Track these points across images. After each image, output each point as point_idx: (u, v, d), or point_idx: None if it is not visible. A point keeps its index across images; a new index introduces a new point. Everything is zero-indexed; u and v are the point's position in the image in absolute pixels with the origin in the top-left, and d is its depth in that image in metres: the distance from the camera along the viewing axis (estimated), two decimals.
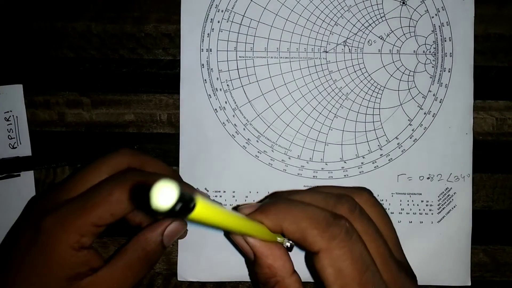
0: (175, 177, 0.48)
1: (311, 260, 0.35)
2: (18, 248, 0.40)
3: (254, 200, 0.51)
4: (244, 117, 0.51)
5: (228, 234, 0.42)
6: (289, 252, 0.38)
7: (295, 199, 0.38)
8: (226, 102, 0.51)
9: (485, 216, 0.52)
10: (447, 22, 0.51)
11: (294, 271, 0.37)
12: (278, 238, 0.37)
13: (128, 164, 0.43)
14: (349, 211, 0.36)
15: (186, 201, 0.23)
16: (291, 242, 0.37)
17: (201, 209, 0.24)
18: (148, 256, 0.41)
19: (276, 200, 0.37)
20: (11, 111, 0.50)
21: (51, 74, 0.51)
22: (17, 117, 0.50)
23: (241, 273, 0.51)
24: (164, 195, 0.22)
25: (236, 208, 0.42)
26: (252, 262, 0.38)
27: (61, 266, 0.38)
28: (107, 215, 0.39)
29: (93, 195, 0.39)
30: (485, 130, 0.52)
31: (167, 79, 0.51)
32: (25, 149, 0.50)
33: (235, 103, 0.51)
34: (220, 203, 0.49)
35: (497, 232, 0.52)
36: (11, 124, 0.50)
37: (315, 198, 0.37)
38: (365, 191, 0.39)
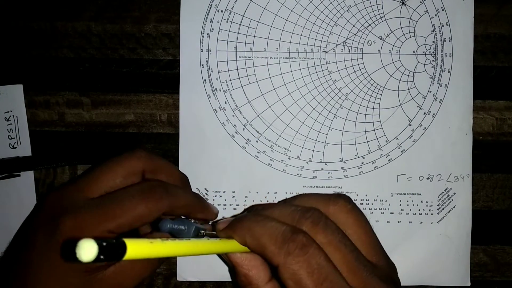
0: (185, 183, 0.48)
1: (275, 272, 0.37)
2: (35, 243, 0.40)
3: (253, 201, 0.51)
4: (243, 117, 0.51)
5: None
6: None
7: (264, 214, 0.39)
8: (225, 103, 0.51)
9: (485, 216, 0.52)
10: (446, 22, 0.51)
11: (271, 279, 0.38)
12: None
13: (143, 168, 0.43)
14: (312, 224, 0.37)
15: (111, 251, 0.25)
16: None
17: (134, 251, 0.27)
18: None
19: (243, 217, 0.39)
20: (11, 111, 0.50)
21: (51, 74, 0.51)
22: (17, 117, 0.50)
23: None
24: (85, 250, 0.24)
25: (214, 224, 0.43)
26: (232, 270, 0.40)
27: None
28: (126, 227, 0.40)
29: (116, 204, 0.40)
30: (485, 130, 0.52)
31: (167, 79, 0.51)
32: (25, 149, 0.50)
33: (234, 103, 0.51)
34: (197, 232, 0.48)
35: (497, 232, 0.52)
36: (11, 124, 0.50)
37: (283, 213, 0.39)
38: (341, 199, 0.40)
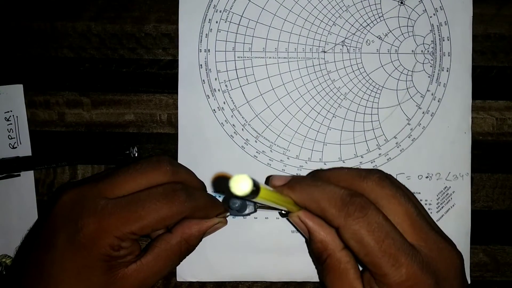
0: (204, 188, 0.49)
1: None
2: (56, 244, 0.40)
3: None
4: (242, 117, 0.51)
5: (285, 215, 0.45)
6: None
7: (323, 177, 0.43)
8: (224, 103, 0.51)
9: (485, 216, 0.52)
10: (445, 21, 0.51)
11: (345, 247, 0.40)
12: None
13: (168, 181, 0.43)
14: (379, 179, 0.40)
15: (256, 187, 0.29)
16: None
17: (263, 192, 0.31)
18: (188, 249, 0.45)
19: (302, 180, 0.42)
20: (11, 111, 0.50)
21: (51, 74, 0.51)
22: (17, 117, 0.51)
23: (241, 272, 0.51)
24: (242, 184, 0.28)
25: (268, 178, 0.47)
26: (308, 240, 0.42)
27: (103, 261, 0.40)
28: (149, 229, 0.41)
29: (140, 206, 0.40)
30: (485, 130, 0.52)
31: (167, 79, 0.51)
32: (25, 149, 0.51)
33: (233, 103, 0.51)
34: None
35: (497, 232, 0.52)
36: (11, 124, 0.50)
37: (349, 171, 0.42)
38: (375, 174, 0.41)
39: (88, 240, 0.39)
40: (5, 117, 0.50)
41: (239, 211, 0.40)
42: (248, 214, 0.43)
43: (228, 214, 0.48)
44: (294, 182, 0.41)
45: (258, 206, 0.43)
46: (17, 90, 0.51)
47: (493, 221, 0.52)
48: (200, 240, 0.46)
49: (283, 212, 0.44)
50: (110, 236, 0.39)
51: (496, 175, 0.52)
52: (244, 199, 0.31)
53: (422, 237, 0.38)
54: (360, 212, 0.37)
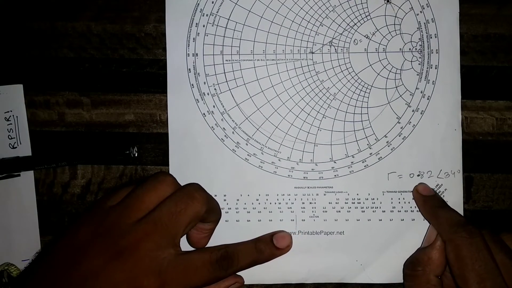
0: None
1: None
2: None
3: (245, 203, 0.51)
4: (232, 120, 0.51)
5: None
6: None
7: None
8: (214, 106, 0.51)
9: (485, 216, 0.52)
10: (432, 19, 0.51)
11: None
12: None
13: (175, 190, 0.44)
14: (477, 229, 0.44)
15: None
16: None
17: None
18: None
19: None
20: (11, 111, 0.51)
21: (51, 74, 0.52)
22: (17, 117, 0.51)
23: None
24: None
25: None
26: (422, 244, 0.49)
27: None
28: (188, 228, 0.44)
29: (177, 219, 0.42)
30: (485, 130, 0.52)
31: (167, 79, 0.52)
32: (25, 149, 0.51)
33: (223, 107, 0.51)
34: None
35: (497, 232, 0.51)
36: (11, 124, 0.51)
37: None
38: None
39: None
40: (5, 117, 0.51)
41: None
42: None
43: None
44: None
45: None
46: (17, 90, 0.51)
47: (493, 221, 0.52)
48: None
49: None
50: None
51: (496, 175, 0.52)
52: None
53: None
54: (469, 234, 0.43)
